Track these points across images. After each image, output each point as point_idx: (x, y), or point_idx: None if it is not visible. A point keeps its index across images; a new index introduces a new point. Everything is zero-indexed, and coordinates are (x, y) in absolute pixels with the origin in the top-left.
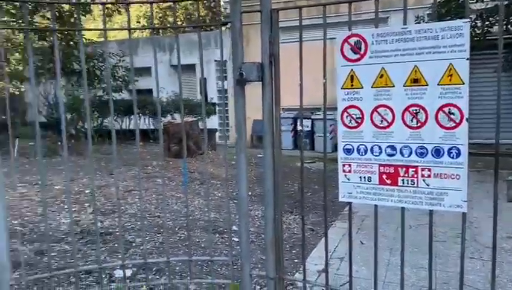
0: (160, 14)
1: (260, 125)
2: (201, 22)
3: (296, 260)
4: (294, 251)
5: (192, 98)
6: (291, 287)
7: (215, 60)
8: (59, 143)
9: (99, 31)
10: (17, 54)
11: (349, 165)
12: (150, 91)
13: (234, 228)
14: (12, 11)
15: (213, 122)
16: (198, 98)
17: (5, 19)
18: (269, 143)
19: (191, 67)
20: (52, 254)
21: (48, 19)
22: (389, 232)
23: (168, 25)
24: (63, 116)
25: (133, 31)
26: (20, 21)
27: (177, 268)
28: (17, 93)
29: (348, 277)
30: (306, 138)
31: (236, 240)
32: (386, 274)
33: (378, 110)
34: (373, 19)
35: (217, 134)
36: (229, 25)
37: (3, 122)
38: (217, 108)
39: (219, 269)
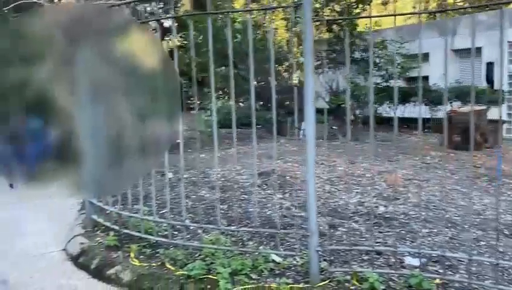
0: None
1: None
2: None
3: None
4: None
5: (477, 85)
6: None
7: (509, 42)
8: (334, 128)
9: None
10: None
11: None
12: (426, 78)
13: None
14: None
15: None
16: (484, 85)
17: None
18: None
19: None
20: (343, 229)
21: (336, 11)
22: None
23: (449, 7)
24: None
25: (409, 16)
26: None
27: (473, 268)
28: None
29: None
30: None
31: None
32: None
33: None
34: None
35: (504, 126)
36: None
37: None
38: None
39: None
